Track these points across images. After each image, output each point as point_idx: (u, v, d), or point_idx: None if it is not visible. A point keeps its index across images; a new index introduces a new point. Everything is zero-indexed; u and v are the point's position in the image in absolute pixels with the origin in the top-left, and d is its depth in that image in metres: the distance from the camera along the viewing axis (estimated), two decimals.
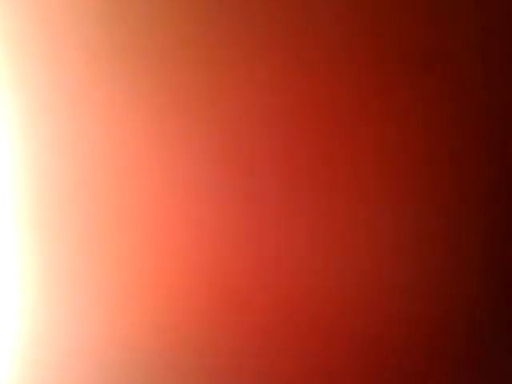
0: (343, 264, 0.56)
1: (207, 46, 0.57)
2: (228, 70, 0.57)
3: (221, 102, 0.57)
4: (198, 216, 0.57)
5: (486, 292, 0.56)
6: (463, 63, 0.56)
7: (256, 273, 0.57)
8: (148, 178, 0.57)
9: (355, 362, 0.57)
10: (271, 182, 0.57)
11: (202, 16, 0.57)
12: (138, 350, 0.57)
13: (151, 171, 0.57)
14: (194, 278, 0.57)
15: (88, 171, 0.58)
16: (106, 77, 0.58)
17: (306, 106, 0.57)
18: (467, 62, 0.56)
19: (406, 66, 0.56)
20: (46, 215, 0.58)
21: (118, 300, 0.57)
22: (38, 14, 0.58)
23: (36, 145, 0.58)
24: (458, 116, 0.56)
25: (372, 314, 0.56)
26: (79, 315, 0.58)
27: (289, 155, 0.57)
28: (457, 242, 0.56)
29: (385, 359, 0.56)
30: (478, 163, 0.56)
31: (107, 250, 0.58)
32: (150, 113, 0.57)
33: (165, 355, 0.57)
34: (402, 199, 0.56)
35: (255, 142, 0.57)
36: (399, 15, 0.56)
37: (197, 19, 0.57)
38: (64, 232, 0.58)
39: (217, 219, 0.57)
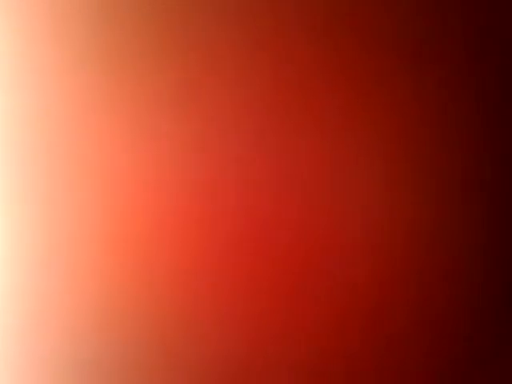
0: (341, 264, 0.56)
1: (202, 44, 0.57)
2: (214, 70, 0.57)
3: (208, 101, 0.57)
4: (185, 211, 0.57)
5: (488, 290, 0.56)
6: (454, 60, 0.57)
7: (254, 269, 0.57)
8: (134, 175, 0.57)
9: (351, 360, 0.56)
10: (262, 181, 0.57)
11: (188, 18, 0.58)
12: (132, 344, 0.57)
13: (138, 169, 0.57)
14: (193, 277, 0.57)
15: (72, 170, 0.58)
16: (91, 78, 0.58)
17: (298, 104, 0.57)
18: (464, 59, 0.57)
19: (402, 62, 0.56)
20: (18, 203, 0.58)
21: (113, 298, 0.57)
22: (21, 17, 0.58)
23: (19, 138, 0.58)
24: (454, 112, 0.57)
25: (371, 313, 0.56)
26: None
27: (282, 154, 0.57)
28: (458, 240, 0.56)
29: (384, 358, 0.56)
30: (475, 159, 0.57)
31: (96, 245, 0.57)
32: (143, 113, 0.57)
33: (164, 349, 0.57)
34: (401, 196, 0.56)
35: (245, 140, 0.57)
36: (396, 11, 0.57)
37: (183, 21, 0.58)
38: (49, 224, 0.58)
39: (205, 216, 0.57)
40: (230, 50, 0.57)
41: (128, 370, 0.56)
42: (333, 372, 0.56)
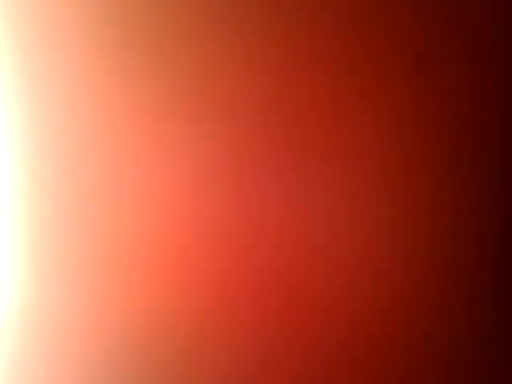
0: (345, 262, 0.56)
1: (209, 43, 0.57)
2: (229, 69, 0.57)
3: (223, 100, 0.57)
4: (198, 213, 0.57)
5: (489, 290, 0.56)
6: (458, 62, 0.57)
7: (260, 274, 0.57)
8: (148, 175, 0.57)
9: (352, 361, 0.57)
10: (272, 181, 0.57)
11: (202, 14, 0.57)
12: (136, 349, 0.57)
13: (151, 168, 0.57)
14: (198, 279, 0.57)
15: (87, 170, 0.58)
16: (106, 76, 0.58)
17: (304, 106, 0.57)
18: (462, 61, 0.57)
19: (399, 65, 0.56)
20: (44, 214, 0.58)
21: (116, 300, 0.57)
22: (40, 14, 0.58)
23: (36, 144, 0.58)
24: (452, 115, 0.56)
25: (371, 313, 0.56)
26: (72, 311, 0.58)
27: (288, 152, 0.57)
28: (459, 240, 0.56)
29: (383, 357, 0.56)
30: (473, 161, 0.57)
31: (106, 249, 0.58)
32: (153, 112, 0.57)
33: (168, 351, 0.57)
34: (400, 197, 0.56)
35: (256, 141, 0.57)
36: (394, 14, 0.57)
37: (198, 17, 0.57)
38: (63, 232, 0.58)
39: (216, 218, 0.57)
40: (253, 54, 0.57)
41: None
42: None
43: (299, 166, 0.57)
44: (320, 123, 0.57)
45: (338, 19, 0.57)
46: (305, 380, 0.57)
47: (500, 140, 0.57)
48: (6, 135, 0.59)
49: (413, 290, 0.57)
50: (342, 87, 0.57)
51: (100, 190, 0.58)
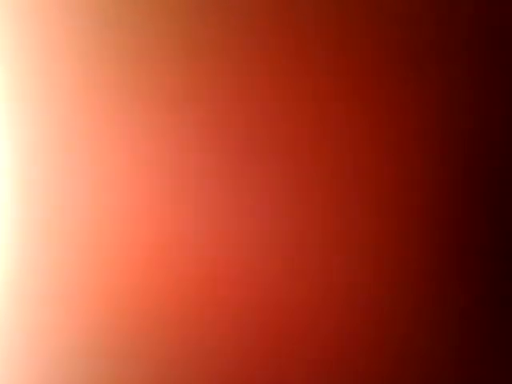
0: (332, 266, 0.56)
1: (201, 46, 0.57)
2: (221, 68, 0.57)
3: (212, 100, 0.57)
4: (185, 215, 0.57)
5: (485, 292, 0.56)
6: (457, 63, 0.56)
7: (248, 280, 0.57)
8: (136, 177, 0.57)
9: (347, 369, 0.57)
10: (261, 185, 0.57)
11: (193, 16, 0.57)
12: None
13: (140, 170, 0.57)
14: (190, 283, 0.57)
15: (76, 172, 0.58)
16: (98, 77, 0.58)
17: (300, 107, 0.57)
18: (461, 61, 0.56)
19: (400, 65, 0.56)
20: (30, 212, 0.58)
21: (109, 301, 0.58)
22: (30, 18, 0.58)
23: (25, 143, 0.58)
24: (451, 115, 0.56)
25: (365, 316, 0.56)
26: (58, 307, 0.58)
27: (279, 156, 0.57)
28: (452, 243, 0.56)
29: (379, 362, 0.56)
30: (469, 163, 0.56)
31: (93, 248, 0.58)
32: (143, 113, 0.57)
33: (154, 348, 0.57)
34: (396, 199, 0.56)
35: (246, 141, 0.57)
36: (394, 14, 0.56)
37: (188, 19, 0.57)
38: (50, 229, 0.58)
39: (203, 220, 0.57)
40: (237, 52, 0.57)
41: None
42: None
43: (281, 170, 0.57)
44: (303, 125, 0.56)
45: (330, 20, 0.56)
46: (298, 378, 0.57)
47: (496, 140, 0.56)
48: None
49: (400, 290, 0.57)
50: (331, 88, 0.56)
51: (83, 185, 0.58)
